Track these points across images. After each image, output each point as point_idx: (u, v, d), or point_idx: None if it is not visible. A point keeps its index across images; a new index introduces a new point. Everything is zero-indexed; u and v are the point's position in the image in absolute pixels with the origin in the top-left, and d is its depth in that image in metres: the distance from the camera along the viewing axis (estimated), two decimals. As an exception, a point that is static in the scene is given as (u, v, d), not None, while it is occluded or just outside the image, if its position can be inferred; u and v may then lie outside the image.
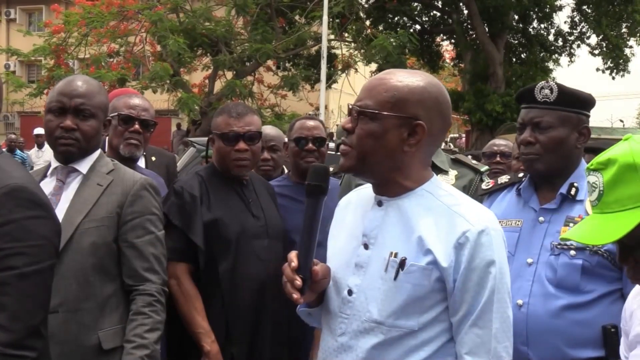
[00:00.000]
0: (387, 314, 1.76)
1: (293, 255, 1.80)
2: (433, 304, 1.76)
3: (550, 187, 2.48)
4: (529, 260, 2.41)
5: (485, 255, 1.73)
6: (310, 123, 3.48)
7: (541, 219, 2.45)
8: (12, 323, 1.63)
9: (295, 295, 1.77)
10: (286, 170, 4.14)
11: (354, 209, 1.95)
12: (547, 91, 2.43)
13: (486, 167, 3.18)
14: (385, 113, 1.76)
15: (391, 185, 1.83)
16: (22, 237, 1.66)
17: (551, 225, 2.43)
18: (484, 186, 2.72)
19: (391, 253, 1.77)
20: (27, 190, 1.71)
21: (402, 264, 1.75)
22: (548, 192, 2.48)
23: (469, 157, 4.75)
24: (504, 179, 2.68)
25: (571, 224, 2.38)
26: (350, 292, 1.83)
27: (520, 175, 2.66)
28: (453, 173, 3.07)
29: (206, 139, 3.24)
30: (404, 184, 1.82)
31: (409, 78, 1.80)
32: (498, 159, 4.54)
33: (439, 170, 3.08)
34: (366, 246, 1.83)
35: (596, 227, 1.40)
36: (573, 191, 2.43)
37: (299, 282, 1.76)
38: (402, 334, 1.75)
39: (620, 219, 1.36)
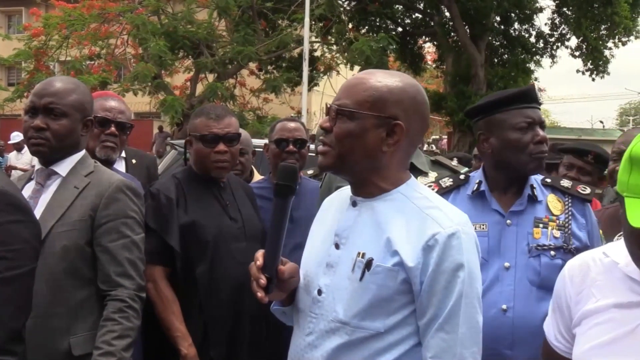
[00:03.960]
0: (353, 314, 1.75)
1: (259, 254, 1.81)
2: (399, 307, 1.74)
3: (505, 190, 2.51)
4: (507, 265, 2.41)
5: (454, 259, 1.69)
6: (291, 125, 3.49)
7: (509, 221, 2.45)
8: None
9: (260, 294, 1.77)
10: (255, 173, 4.14)
11: (334, 209, 1.94)
12: (538, 93, 2.54)
13: (466, 169, 3.17)
14: (363, 112, 1.76)
15: (368, 185, 1.82)
16: (3, 241, 1.66)
17: (520, 227, 2.44)
18: None
19: (359, 253, 1.76)
20: (7, 194, 1.71)
21: (368, 264, 1.74)
22: (501, 194, 2.51)
23: (455, 159, 4.73)
24: (447, 182, 2.66)
25: (541, 225, 2.43)
26: (320, 292, 1.82)
27: (462, 177, 2.65)
28: (433, 175, 3.06)
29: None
30: (380, 185, 1.82)
31: (387, 78, 1.80)
32: None
33: (418, 172, 3.07)
34: (337, 246, 1.82)
35: None
36: (534, 192, 2.48)
37: (263, 280, 1.77)
38: (367, 336, 1.74)
39: None
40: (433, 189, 2.63)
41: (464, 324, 1.70)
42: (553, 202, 2.49)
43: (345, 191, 1.94)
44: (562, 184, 2.54)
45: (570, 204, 2.49)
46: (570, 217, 2.46)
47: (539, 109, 2.51)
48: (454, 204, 2.55)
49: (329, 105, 1.83)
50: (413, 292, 1.73)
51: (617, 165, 2.78)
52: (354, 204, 1.84)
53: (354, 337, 1.74)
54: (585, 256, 1.76)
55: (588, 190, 2.52)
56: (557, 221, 2.44)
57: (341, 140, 1.78)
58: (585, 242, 2.41)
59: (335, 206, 1.94)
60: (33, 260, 1.76)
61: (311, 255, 1.92)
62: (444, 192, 2.62)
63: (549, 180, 2.57)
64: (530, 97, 2.49)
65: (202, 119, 2.93)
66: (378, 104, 1.76)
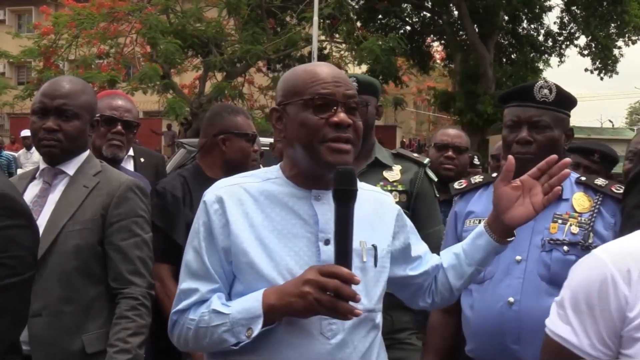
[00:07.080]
0: (376, 299, 1.84)
1: (347, 271, 1.61)
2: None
3: None
4: (518, 258, 2.37)
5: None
6: None
7: None
8: None
9: (357, 312, 1.63)
10: None
11: (260, 207, 1.78)
12: (546, 91, 2.41)
13: (428, 159, 3.14)
14: None
15: None
16: (3, 248, 1.57)
17: (537, 222, 2.36)
18: (456, 186, 2.68)
19: (360, 242, 1.79)
20: (8, 198, 1.62)
21: (376, 250, 1.83)
22: None
23: (475, 157, 4.70)
24: (477, 178, 2.65)
25: (560, 221, 2.38)
26: None
27: (494, 175, 2.62)
28: (397, 168, 3.01)
29: (197, 140, 3.28)
30: None
31: None
32: (450, 153, 3.97)
33: (383, 166, 3.02)
34: (327, 242, 1.75)
35: None
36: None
37: (359, 297, 1.62)
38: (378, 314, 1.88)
39: None
40: (463, 185, 2.68)
41: None
42: (580, 199, 2.43)
43: (250, 186, 1.81)
44: (595, 182, 2.47)
45: (599, 203, 2.42)
46: (595, 216, 2.39)
47: (538, 107, 2.41)
48: (481, 199, 2.59)
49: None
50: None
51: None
52: (317, 197, 1.79)
53: (377, 319, 1.85)
54: (630, 249, 1.53)
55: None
56: (579, 218, 2.38)
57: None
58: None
59: (261, 204, 1.79)
60: (32, 268, 1.67)
61: (284, 260, 1.74)
62: (472, 188, 2.62)
63: (583, 178, 2.51)
64: (523, 96, 2.43)
65: (242, 117, 3.12)
66: None
